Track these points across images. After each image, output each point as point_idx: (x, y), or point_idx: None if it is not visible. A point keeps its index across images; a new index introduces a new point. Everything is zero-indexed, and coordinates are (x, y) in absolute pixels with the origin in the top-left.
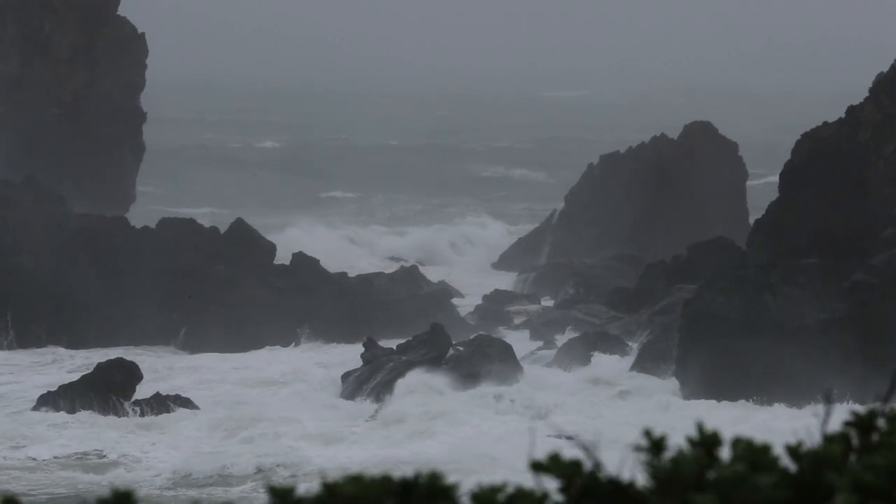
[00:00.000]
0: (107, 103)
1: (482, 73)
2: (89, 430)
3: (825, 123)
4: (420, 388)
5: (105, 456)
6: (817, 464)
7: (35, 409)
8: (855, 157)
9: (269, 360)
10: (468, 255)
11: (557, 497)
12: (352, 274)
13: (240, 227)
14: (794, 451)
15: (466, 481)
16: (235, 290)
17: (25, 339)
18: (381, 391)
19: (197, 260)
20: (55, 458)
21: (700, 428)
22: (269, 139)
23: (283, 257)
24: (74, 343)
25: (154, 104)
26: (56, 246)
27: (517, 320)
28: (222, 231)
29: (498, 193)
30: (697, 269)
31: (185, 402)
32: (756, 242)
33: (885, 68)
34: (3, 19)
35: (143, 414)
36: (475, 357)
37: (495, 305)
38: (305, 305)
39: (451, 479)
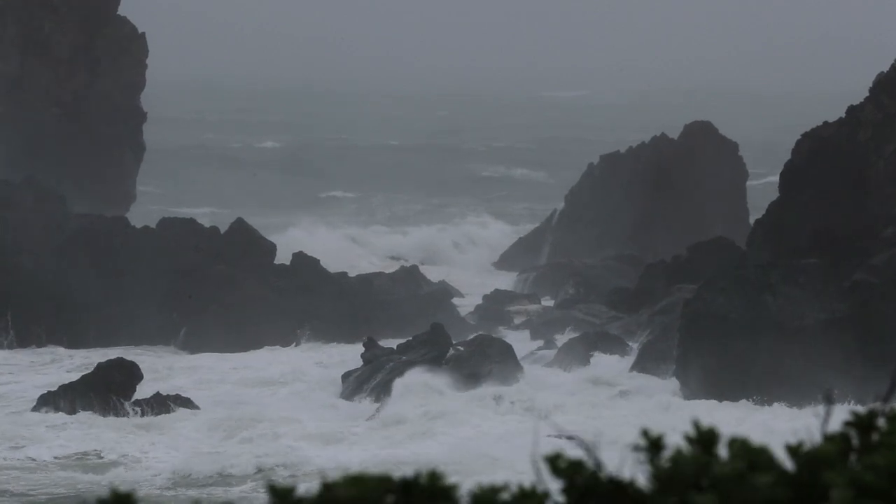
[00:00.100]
0: (107, 103)
1: (482, 73)
2: (89, 430)
3: (825, 123)
4: (420, 388)
5: (105, 456)
6: (815, 463)
7: (35, 409)
8: (855, 156)
9: (269, 360)
10: (471, 255)
11: (558, 497)
12: (353, 274)
13: (240, 227)
14: (794, 450)
15: (467, 482)
16: (235, 290)
17: (25, 339)
18: (382, 391)
19: (197, 260)
20: (55, 458)
21: (697, 425)
22: (269, 139)
23: (285, 257)
24: (74, 343)
25: (154, 104)
26: (56, 246)
27: (517, 320)
28: (222, 231)
29: (498, 193)
30: (697, 269)
31: (186, 402)
32: (756, 242)
33: (886, 68)
34: (3, 19)
35: (143, 414)
36: (475, 357)
37: (495, 305)
38: (305, 305)
39: (451, 479)
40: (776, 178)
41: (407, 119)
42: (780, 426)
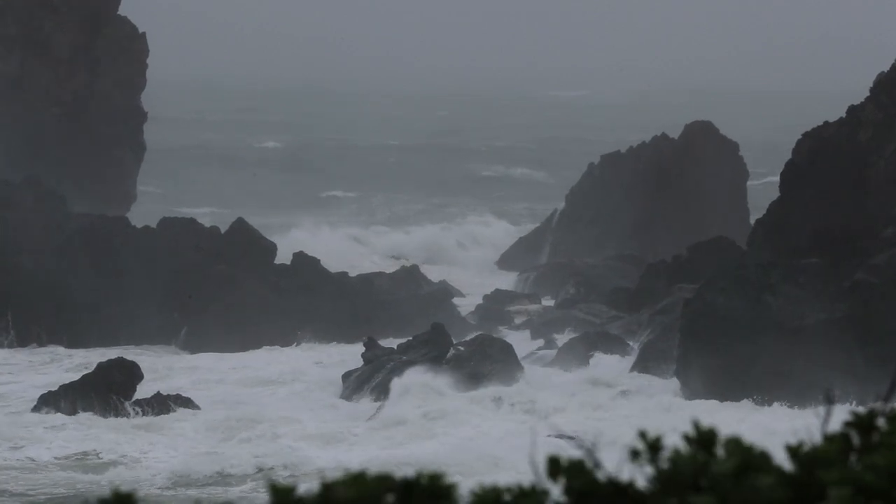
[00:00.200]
0: (107, 103)
1: (482, 73)
2: (88, 431)
3: (826, 123)
4: (420, 388)
5: (104, 456)
6: (814, 463)
7: (35, 409)
8: (855, 156)
9: (269, 360)
10: (474, 254)
11: (558, 497)
12: (354, 274)
13: (240, 226)
14: (794, 451)
15: (467, 482)
16: (235, 290)
17: (25, 338)
18: (382, 391)
19: (197, 260)
20: (55, 458)
21: (696, 425)
22: (269, 139)
23: (286, 258)
24: (74, 343)
25: (154, 104)
26: (56, 246)
27: (518, 320)
28: (223, 231)
29: (498, 193)
30: (698, 269)
31: (186, 402)
32: (756, 242)
33: (886, 68)
34: (3, 19)
35: (144, 414)
36: (476, 357)
37: (496, 305)
38: (306, 305)
39: (451, 479)
40: (776, 178)
41: (407, 119)
42: (781, 426)
